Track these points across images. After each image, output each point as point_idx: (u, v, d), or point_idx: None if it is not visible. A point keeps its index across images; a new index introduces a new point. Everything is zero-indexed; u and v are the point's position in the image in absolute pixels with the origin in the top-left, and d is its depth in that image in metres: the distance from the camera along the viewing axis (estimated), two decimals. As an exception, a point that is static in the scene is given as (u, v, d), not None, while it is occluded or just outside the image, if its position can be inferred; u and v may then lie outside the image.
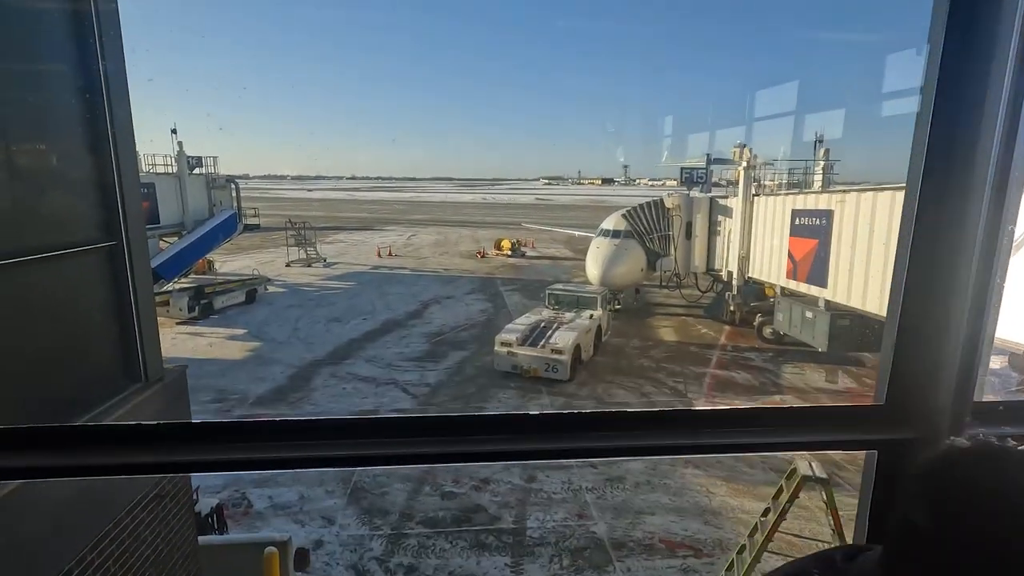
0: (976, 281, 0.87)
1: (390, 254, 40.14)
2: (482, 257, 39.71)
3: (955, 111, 0.94)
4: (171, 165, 24.12)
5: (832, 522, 6.37)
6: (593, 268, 21.60)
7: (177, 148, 24.07)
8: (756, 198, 20.17)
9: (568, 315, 18.00)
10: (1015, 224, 0.91)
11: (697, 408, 1.01)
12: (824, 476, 6.31)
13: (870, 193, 14.34)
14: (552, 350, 15.38)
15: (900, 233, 1.05)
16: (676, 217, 22.60)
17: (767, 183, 24.05)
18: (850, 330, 15.73)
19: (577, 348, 15.95)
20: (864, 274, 14.31)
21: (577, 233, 43.63)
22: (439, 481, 10.41)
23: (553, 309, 18.85)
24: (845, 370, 16.76)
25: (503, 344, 15.86)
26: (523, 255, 40.78)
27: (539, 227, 53.32)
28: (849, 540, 6.85)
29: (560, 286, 20.78)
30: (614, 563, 8.24)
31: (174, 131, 24.38)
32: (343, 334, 20.04)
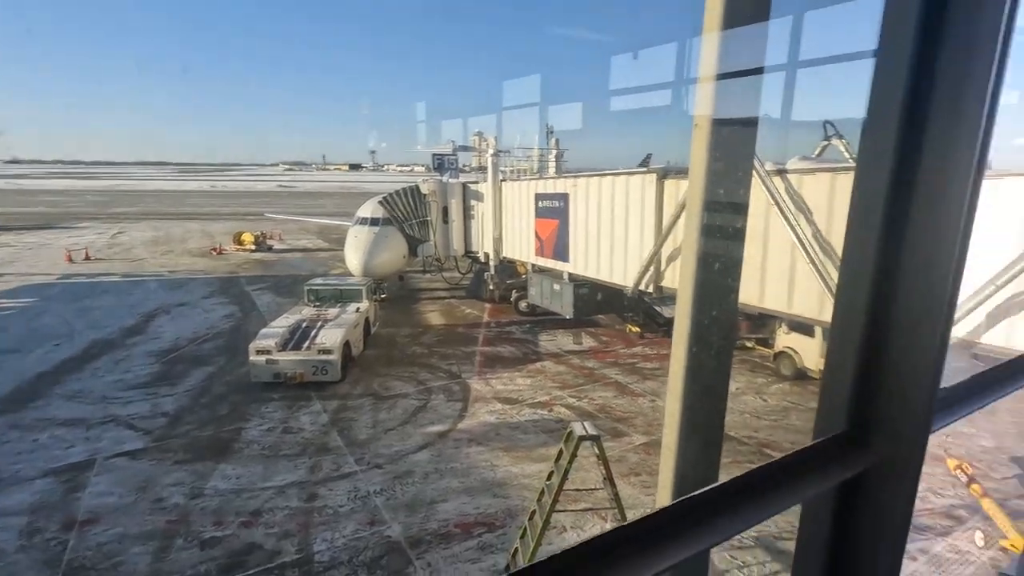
0: (951, 283, 0.81)
1: (87, 258, 31.95)
2: (219, 254, 34.55)
3: (937, 110, 0.84)
4: None
5: (603, 471, 7.17)
6: (354, 258, 20.60)
7: None
8: (504, 183, 21.66)
9: (332, 310, 16.81)
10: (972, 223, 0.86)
11: (672, 504, 0.76)
12: (596, 434, 7.05)
13: (595, 178, 16.61)
14: (319, 351, 14.17)
15: (857, 239, 0.93)
16: (433, 203, 22.94)
17: (510, 169, 26.08)
18: (589, 297, 18.19)
19: (346, 345, 15.01)
20: (597, 247, 16.60)
21: (330, 222, 41.25)
22: (195, 528, 8.66)
23: (314, 306, 17.40)
24: (587, 331, 19.39)
25: (260, 351, 13.99)
26: (270, 249, 36.78)
27: (286, 217, 48.85)
28: (618, 487, 7.84)
29: (320, 280, 19.28)
30: (414, 563, 7.98)
31: None
32: (25, 369, 15.18)
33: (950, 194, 0.84)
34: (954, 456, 9.44)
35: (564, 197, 17.86)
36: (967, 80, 0.82)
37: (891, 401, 0.92)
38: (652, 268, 14.60)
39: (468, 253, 24.11)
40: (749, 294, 11.99)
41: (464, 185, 23.48)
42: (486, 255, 22.66)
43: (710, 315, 3.64)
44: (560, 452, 7.34)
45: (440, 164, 26.55)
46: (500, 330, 19.53)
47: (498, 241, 21.91)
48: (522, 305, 21.22)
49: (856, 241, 0.92)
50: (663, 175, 14.27)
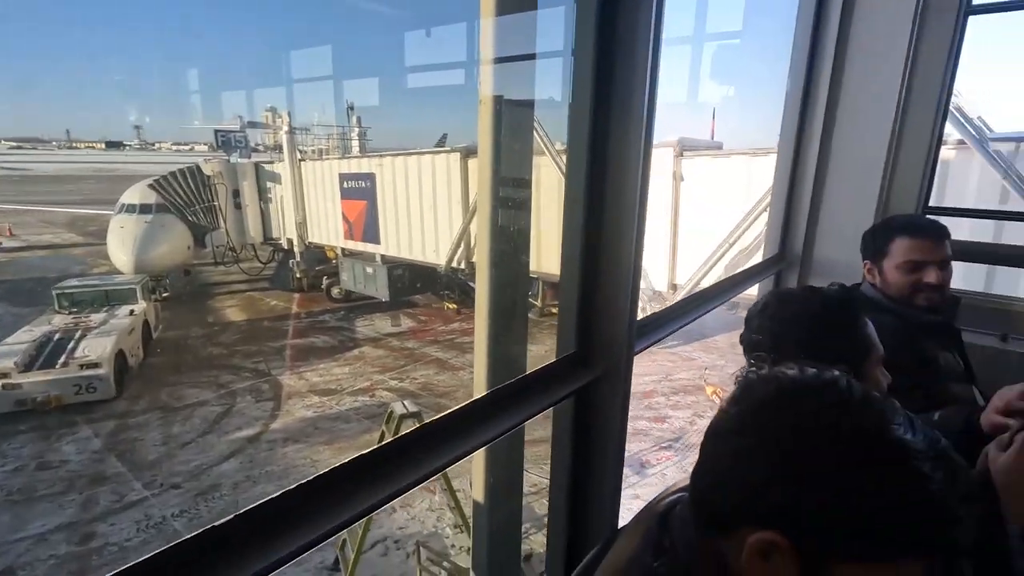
0: (636, 239, 1.03)
1: None
2: (-87, 258, 26.37)
3: (606, 100, 1.02)
4: None
5: (427, 445, 7.34)
6: (120, 253, 17.46)
7: None
8: (303, 163, 20.21)
9: (97, 316, 14.15)
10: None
11: (415, 429, 0.93)
12: (416, 410, 7.15)
13: (402, 157, 16.44)
14: (82, 365, 11.85)
15: (571, 206, 1.11)
16: (220, 185, 20.44)
17: (310, 148, 24.39)
18: (404, 278, 18.11)
19: (120, 355, 12.80)
20: (408, 227, 16.53)
21: (86, 211, 34.14)
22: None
23: (70, 313, 14.44)
24: (405, 313, 19.30)
25: (-7, 376, 11.21)
26: (-3, 247, 29.20)
27: (17, 207, 39.18)
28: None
29: (75, 282, 16.03)
30: (229, 581, 7.29)
31: None
32: None
33: (628, 169, 1.09)
34: (711, 384, 11.67)
35: (371, 177, 17.35)
36: (632, 81, 1.06)
37: (603, 329, 1.17)
38: (463, 245, 15.07)
39: (268, 240, 22.10)
40: (551, 265, 13.06)
41: (257, 165, 21.34)
42: (289, 241, 21.02)
43: (506, 283, 3.95)
44: (382, 433, 7.31)
45: (226, 142, 23.60)
46: (312, 320, 18.43)
47: (302, 225, 20.45)
48: (335, 292, 20.24)
49: (571, 207, 1.14)
50: (467, 153, 14.71)
